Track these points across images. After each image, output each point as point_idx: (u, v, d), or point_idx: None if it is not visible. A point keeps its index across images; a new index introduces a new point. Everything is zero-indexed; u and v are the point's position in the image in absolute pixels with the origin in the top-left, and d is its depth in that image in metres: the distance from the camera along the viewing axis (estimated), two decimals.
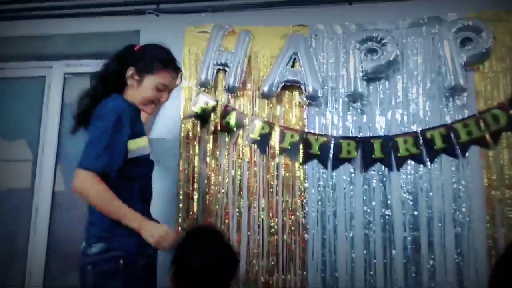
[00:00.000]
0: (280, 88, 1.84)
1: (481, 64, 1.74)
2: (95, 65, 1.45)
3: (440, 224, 1.67)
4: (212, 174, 1.85)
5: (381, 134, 1.78)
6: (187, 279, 1.07)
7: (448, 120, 1.74)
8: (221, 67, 1.89)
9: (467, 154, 1.70)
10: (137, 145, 1.32)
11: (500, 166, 1.67)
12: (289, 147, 1.83)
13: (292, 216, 1.78)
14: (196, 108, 1.85)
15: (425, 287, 1.63)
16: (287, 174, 1.82)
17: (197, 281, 1.05)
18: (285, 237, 1.76)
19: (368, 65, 1.78)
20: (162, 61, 1.40)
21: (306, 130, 1.84)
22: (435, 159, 1.72)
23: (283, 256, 1.75)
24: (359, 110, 1.82)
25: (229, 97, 1.89)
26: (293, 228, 1.76)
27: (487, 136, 1.69)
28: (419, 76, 1.79)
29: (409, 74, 1.80)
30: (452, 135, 1.72)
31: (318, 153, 1.81)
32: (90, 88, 1.39)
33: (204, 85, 1.88)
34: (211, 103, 1.86)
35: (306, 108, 1.85)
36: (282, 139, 1.84)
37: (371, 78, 1.80)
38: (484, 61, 1.73)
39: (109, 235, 1.25)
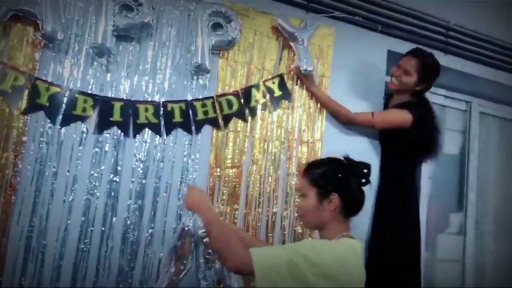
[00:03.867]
0: (9, 16, 1.50)
1: (226, 51, 1.87)
2: None
3: (165, 194, 1.70)
4: None
5: (124, 97, 1.69)
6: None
7: (189, 96, 1.79)
8: None
9: (200, 131, 1.80)
10: None
11: (225, 147, 1.83)
12: (10, 90, 1.52)
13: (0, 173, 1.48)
14: None
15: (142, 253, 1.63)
16: (0, 122, 1.50)
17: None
18: None
19: (120, 21, 1.65)
20: None
21: (36, 75, 1.57)
22: (172, 132, 1.75)
23: None
24: (104, 66, 1.67)
25: None
26: None
27: (220, 119, 1.83)
28: (170, 48, 1.78)
29: (161, 43, 1.76)
30: (190, 111, 1.78)
31: (47, 104, 1.57)
32: None
33: None
34: None
35: (41, 49, 1.58)
36: (2, 79, 1.51)
37: (122, 35, 1.68)
38: (229, 49, 1.87)
39: None
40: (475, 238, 2.61)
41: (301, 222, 1.38)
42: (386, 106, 2.14)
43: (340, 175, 1.31)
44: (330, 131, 2.01)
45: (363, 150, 2.07)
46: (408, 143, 2.01)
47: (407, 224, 2.05)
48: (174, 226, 1.69)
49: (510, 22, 2.55)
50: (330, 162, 1.36)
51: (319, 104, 1.99)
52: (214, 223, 1.29)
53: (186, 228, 1.38)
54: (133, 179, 1.66)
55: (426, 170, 2.50)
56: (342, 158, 1.36)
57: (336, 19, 2.08)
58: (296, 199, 1.87)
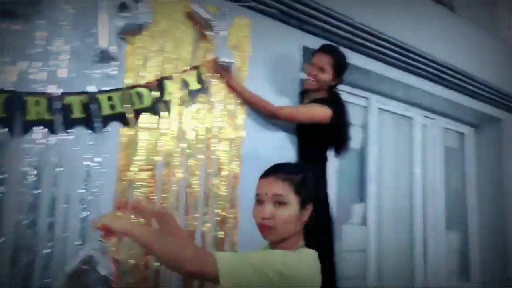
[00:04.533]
0: None
1: (135, 37, 1.63)
2: None
3: (65, 206, 1.42)
4: None
5: (9, 88, 1.36)
6: None
7: (92, 88, 1.53)
8: None
9: (106, 129, 1.54)
10: None
11: (135, 147, 1.60)
12: None
13: None
14: None
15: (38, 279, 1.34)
16: None
17: None
18: None
19: None
20: None
21: None
22: (71, 130, 1.47)
23: None
24: None
25: None
26: None
27: (130, 114, 1.59)
28: (67, 29, 1.49)
29: (54, 23, 1.47)
30: (94, 106, 1.52)
31: None
32: None
33: None
34: None
35: None
36: None
37: (4, 11, 1.35)
38: (139, 34, 1.64)
39: None
40: (376, 228, 2.76)
41: (268, 235, 1.16)
42: (301, 103, 2.11)
43: (316, 183, 1.23)
44: (249, 127, 1.91)
45: (282, 145, 2.02)
46: (324, 137, 2.02)
47: (321, 217, 2.06)
48: (77, 244, 1.43)
49: (408, 22, 2.73)
50: (305, 168, 1.24)
51: (238, 99, 1.87)
52: (159, 237, 1.07)
53: (90, 255, 1.14)
54: (23, 189, 1.35)
55: (333, 164, 2.55)
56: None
57: (253, 9, 1.97)
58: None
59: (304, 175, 1.21)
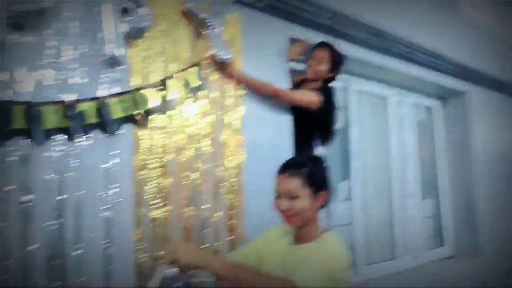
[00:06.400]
0: None
1: (139, 39, 1.68)
2: None
3: (89, 209, 1.49)
4: None
5: (26, 99, 1.39)
6: None
7: (103, 92, 1.58)
8: None
9: (119, 131, 1.60)
10: None
11: (149, 146, 1.68)
12: None
13: None
14: None
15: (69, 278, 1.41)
16: None
17: None
18: None
19: (10, 6, 1.34)
20: None
21: None
22: (87, 135, 1.52)
23: None
24: None
25: None
26: None
27: (139, 115, 1.66)
28: (75, 37, 1.52)
29: (63, 32, 1.49)
30: (106, 109, 1.57)
31: None
32: None
33: None
34: None
35: None
36: None
37: (15, 24, 1.37)
38: (141, 37, 1.68)
39: None
40: (360, 202, 2.96)
41: (291, 222, 1.30)
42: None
43: (326, 172, 1.35)
44: (248, 117, 2.01)
45: (280, 130, 2.14)
46: (313, 124, 2.17)
47: None
48: (103, 243, 1.50)
49: (382, 7, 2.87)
50: (313, 159, 1.37)
51: (235, 92, 1.96)
52: (233, 268, 1.18)
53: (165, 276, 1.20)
54: (48, 196, 1.41)
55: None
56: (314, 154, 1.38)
57: (243, 4, 2.05)
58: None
59: (311, 166, 1.32)
